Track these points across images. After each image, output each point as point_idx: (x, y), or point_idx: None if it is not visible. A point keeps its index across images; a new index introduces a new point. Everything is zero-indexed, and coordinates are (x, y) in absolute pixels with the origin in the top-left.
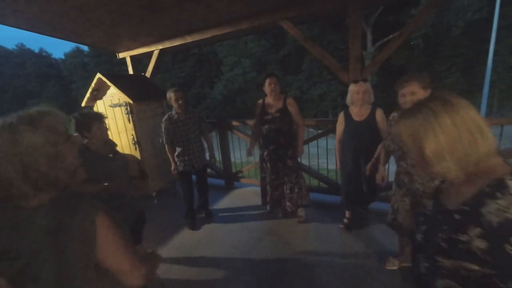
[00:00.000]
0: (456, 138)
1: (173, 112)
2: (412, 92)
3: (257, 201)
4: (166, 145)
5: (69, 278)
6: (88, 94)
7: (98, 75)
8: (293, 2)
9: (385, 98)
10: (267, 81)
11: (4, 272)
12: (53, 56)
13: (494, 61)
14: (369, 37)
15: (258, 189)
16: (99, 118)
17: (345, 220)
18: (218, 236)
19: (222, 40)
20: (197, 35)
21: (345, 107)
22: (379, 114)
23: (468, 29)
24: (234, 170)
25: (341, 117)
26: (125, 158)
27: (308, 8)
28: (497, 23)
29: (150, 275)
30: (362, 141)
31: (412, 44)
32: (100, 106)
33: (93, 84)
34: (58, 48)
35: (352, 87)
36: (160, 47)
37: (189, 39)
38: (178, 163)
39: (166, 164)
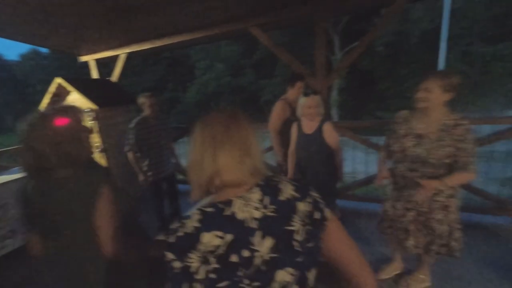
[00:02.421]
0: (198, 155)
1: (145, 117)
2: (426, 88)
3: None
4: (130, 153)
5: (78, 228)
6: (46, 100)
7: (57, 80)
8: (263, 9)
9: (353, 102)
10: (299, 84)
11: (41, 227)
12: (5, 58)
13: (446, 67)
14: (337, 43)
15: None
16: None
17: None
18: None
19: (192, 45)
20: (167, 39)
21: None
22: (326, 128)
23: (423, 37)
24: None
25: (294, 128)
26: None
27: (277, 16)
28: (446, 33)
29: (127, 255)
30: (311, 154)
31: (376, 51)
32: None
33: (51, 89)
34: (12, 49)
35: (303, 101)
36: (127, 50)
37: (158, 43)
38: (150, 172)
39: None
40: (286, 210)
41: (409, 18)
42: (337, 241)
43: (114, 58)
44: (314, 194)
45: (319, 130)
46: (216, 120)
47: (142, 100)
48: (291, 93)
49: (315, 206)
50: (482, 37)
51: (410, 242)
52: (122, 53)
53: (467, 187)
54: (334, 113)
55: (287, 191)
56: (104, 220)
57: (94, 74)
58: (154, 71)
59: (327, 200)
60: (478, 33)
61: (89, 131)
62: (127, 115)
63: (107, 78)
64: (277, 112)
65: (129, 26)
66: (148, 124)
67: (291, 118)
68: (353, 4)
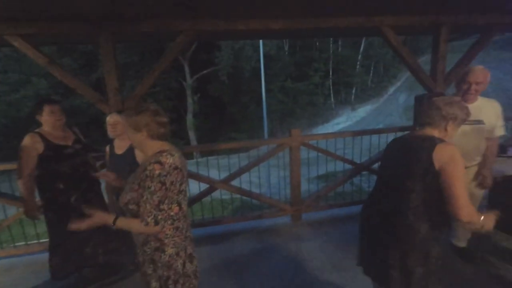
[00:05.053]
0: None
1: None
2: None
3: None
4: None
5: None
6: None
7: None
8: (27, 17)
9: (208, 125)
10: (48, 109)
11: None
12: None
13: (270, 97)
14: (187, 70)
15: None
16: None
17: None
18: None
19: None
20: None
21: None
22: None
23: (254, 72)
24: None
25: (107, 149)
26: None
27: (50, 29)
28: (263, 72)
29: None
30: (123, 175)
31: (221, 80)
32: None
33: None
34: None
35: (107, 120)
36: None
37: None
38: None
39: None
40: None
41: (243, 55)
42: None
43: None
44: None
45: (130, 149)
46: None
47: None
48: (43, 121)
49: None
50: (291, 76)
51: None
52: None
53: (251, 194)
54: (192, 135)
55: None
56: None
57: None
58: None
59: None
60: (288, 73)
61: None
62: None
63: None
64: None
65: None
66: None
67: (46, 153)
68: (135, 35)
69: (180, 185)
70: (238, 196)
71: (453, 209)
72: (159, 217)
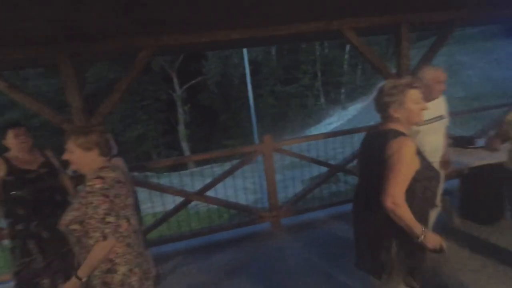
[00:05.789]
0: None
1: None
2: (68, 149)
3: None
4: None
5: None
6: None
7: None
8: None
9: (200, 134)
10: (12, 133)
11: None
12: None
13: (261, 102)
14: (175, 81)
15: None
16: None
17: None
18: None
19: None
20: None
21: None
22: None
23: (243, 79)
24: None
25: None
26: None
27: (9, 54)
28: (249, 78)
29: None
30: None
31: (210, 89)
32: None
33: None
34: None
35: None
36: None
37: None
38: None
39: None
40: None
41: (230, 63)
42: None
43: None
44: None
45: None
46: None
47: None
48: (9, 145)
49: None
50: (280, 80)
51: None
52: None
53: (228, 204)
54: (185, 146)
55: None
56: None
57: None
58: None
59: None
60: (277, 78)
61: None
62: None
63: None
64: None
65: None
66: None
67: (7, 178)
68: (95, 54)
69: (126, 199)
70: None
71: (383, 194)
72: (106, 230)
